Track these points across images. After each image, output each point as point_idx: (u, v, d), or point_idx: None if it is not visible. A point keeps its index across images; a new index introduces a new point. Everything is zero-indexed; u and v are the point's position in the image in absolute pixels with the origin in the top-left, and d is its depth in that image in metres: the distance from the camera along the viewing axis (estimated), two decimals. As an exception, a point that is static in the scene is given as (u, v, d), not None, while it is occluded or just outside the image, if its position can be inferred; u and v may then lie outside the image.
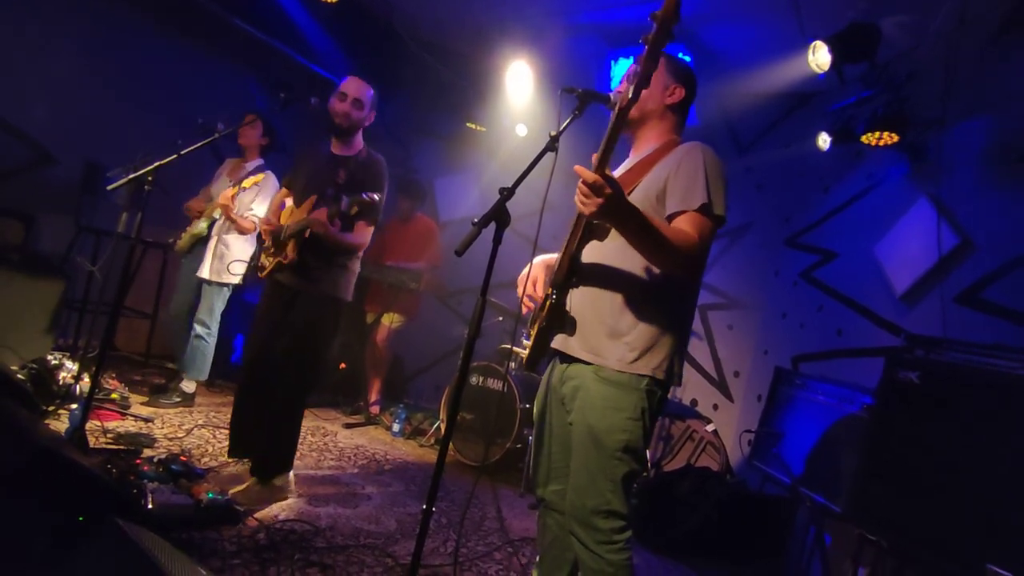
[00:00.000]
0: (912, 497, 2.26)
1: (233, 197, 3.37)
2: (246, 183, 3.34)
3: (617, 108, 1.38)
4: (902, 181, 3.56)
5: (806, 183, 4.33)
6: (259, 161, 3.76)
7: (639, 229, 1.38)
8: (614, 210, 1.32)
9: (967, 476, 2.10)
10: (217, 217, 3.61)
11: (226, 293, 3.66)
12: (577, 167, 1.33)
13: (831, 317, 3.81)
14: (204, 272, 3.59)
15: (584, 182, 1.29)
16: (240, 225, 3.51)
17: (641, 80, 1.32)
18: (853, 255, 3.80)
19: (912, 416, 2.36)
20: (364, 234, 2.63)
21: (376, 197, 2.45)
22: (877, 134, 3.28)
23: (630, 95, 1.33)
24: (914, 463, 2.29)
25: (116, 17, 4.44)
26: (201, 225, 3.64)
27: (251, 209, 3.59)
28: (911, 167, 3.47)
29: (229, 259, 3.58)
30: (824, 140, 3.68)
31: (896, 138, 3.27)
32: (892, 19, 3.22)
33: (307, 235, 2.51)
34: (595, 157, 1.39)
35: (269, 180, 3.61)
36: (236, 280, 3.63)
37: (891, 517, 2.30)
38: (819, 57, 3.32)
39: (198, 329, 3.56)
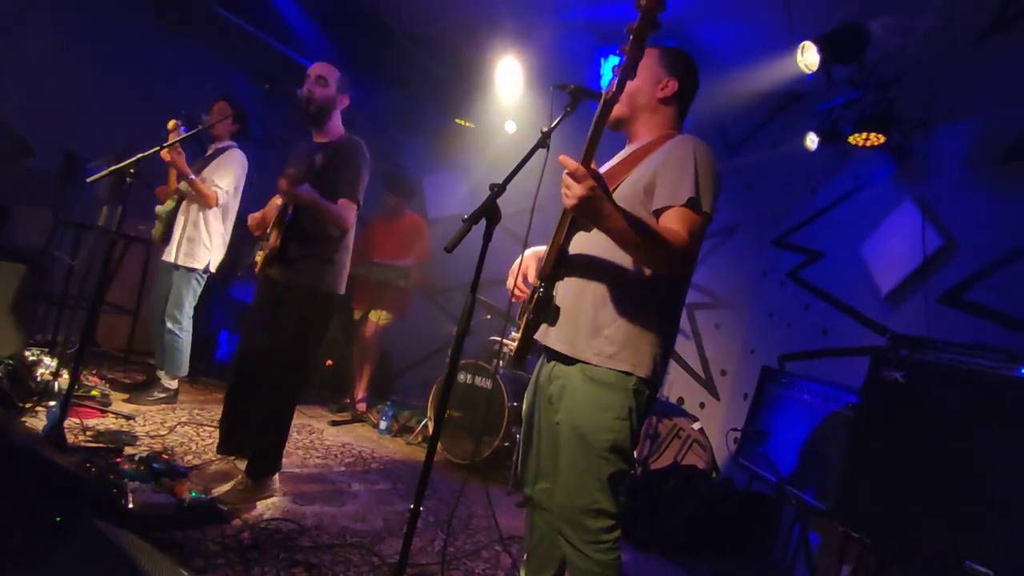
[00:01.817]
0: (895, 495, 2.28)
1: (172, 152, 3.19)
2: (172, 136, 3.14)
3: (602, 101, 1.35)
4: (888, 182, 3.59)
5: (794, 183, 4.36)
6: (228, 143, 3.62)
7: (623, 227, 1.34)
8: (596, 204, 1.29)
9: (949, 474, 2.12)
10: (183, 189, 3.46)
11: (196, 283, 3.50)
12: (561, 156, 1.31)
13: (817, 317, 3.85)
14: (170, 254, 3.44)
15: (567, 169, 1.27)
16: (200, 191, 3.34)
17: (625, 70, 1.28)
18: (839, 255, 3.83)
19: (896, 415, 2.39)
20: (348, 210, 2.51)
21: (317, 157, 2.39)
22: (864, 135, 3.31)
23: (615, 87, 1.31)
24: (898, 461, 2.31)
25: (96, 5, 4.35)
26: (161, 208, 3.51)
27: (212, 180, 3.42)
28: (897, 168, 3.50)
29: (199, 241, 3.44)
30: (812, 140, 3.70)
31: (883, 139, 3.30)
32: (880, 20, 3.25)
33: (288, 218, 2.48)
34: (571, 162, 1.36)
35: (233, 154, 3.52)
36: (199, 266, 3.45)
37: (875, 515, 2.33)
38: (808, 57, 3.34)
39: (168, 324, 3.41)
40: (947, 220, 3.15)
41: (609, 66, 4.07)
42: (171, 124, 3.19)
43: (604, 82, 4.11)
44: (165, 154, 3.18)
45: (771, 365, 3.81)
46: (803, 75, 3.46)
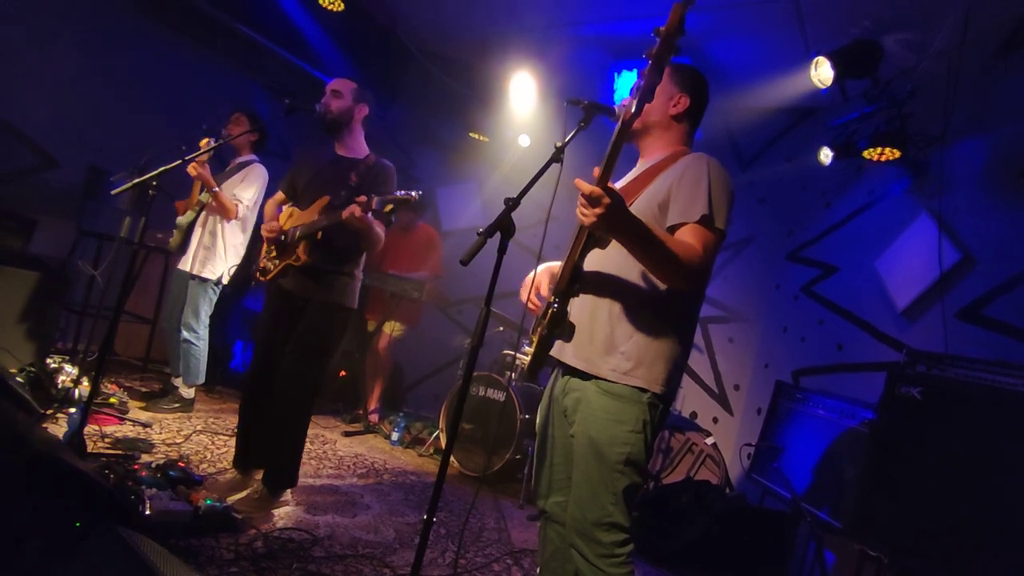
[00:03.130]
0: (913, 513, 2.25)
1: (199, 167, 3.29)
2: (202, 156, 3.24)
3: (620, 122, 1.37)
4: (903, 196, 3.57)
5: (808, 197, 4.35)
6: (250, 156, 3.71)
7: (639, 240, 1.36)
8: (614, 222, 1.31)
9: (968, 492, 2.09)
10: (203, 200, 3.54)
11: (212, 293, 3.56)
12: (576, 180, 1.32)
13: (832, 331, 3.81)
14: (186, 264, 3.50)
15: (583, 193, 1.29)
16: (222, 202, 3.42)
17: (644, 94, 1.31)
18: (854, 270, 3.81)
19: (914, 431, 2.36)
20: (382, 234, 2.60)
21: (413, 194, 2.39)
22: (879, 150, 3.31)
23: (633, 109, 1.33)
24: (915, 479, 2.28)
25: (120, 21, 4.47)
26: (182, 219, 3.58)
27: (234, 194, 3.51)
28: (912, 183, 3.48)
29: (215, 252, 3.51)
30: (826, 155, 3.70)
31: (898, 154, 3.29)
32: (895, 37, 3.26)
33: (319, 236, 2.51)
34: (597, 170, 1.38)
35: (256, 169, 3.60)
36: (214, 277, 3.51)
37: (892, 533, 2.29)
38: (822, 72, 3.35)
39: (184, 333, 3.47)
40: (964, 235, 3.12)
41: (622, 81, 4.11)
42: (203, 142, 3.29)
43: (617, 97, 4.14)
44: (192, 168, 3.28)
45: (785, 380, 3.78)
46: (817, 90, 3.47)
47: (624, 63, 4.25)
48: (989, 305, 2.90)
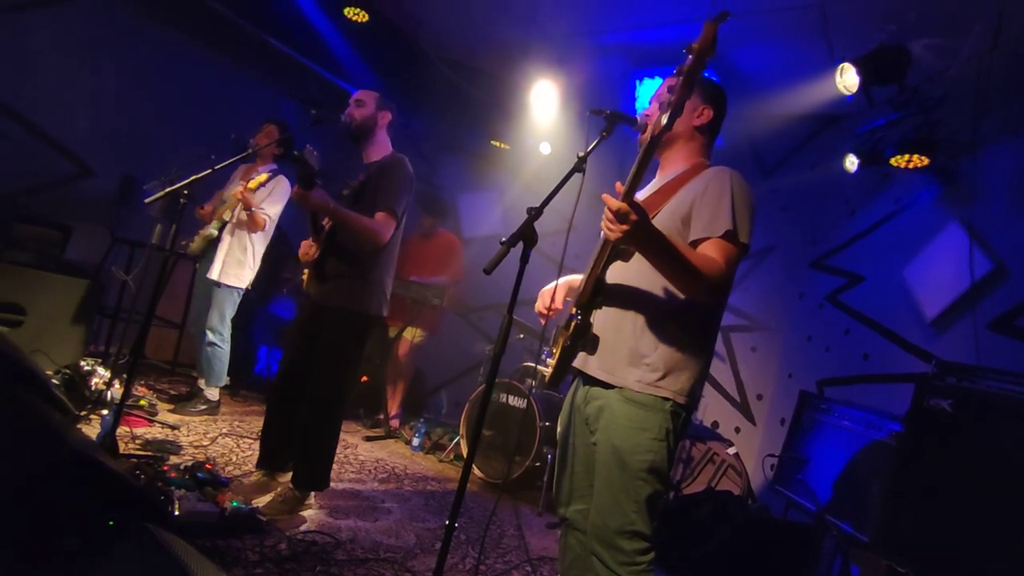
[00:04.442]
0: (943, 528, 2.20)
1: (244, 191, 3.39)
2: (251, 183, 3.39)
3: (649, 136, 1.37)
4: (932, 205, 3.51)
5: (832, 205, 4.29)
6: (272, 165, 3.77)
7: (664, 254, 1.38)
8: (640, 237, 1.33)
9: (1000, 507, 2.04)
10: (228, 220, 3.63)
11: (236, 298, 3.64)
12: (604, 196, 1.33)
13: (857, 341, 3.75)
14: (214, 273, 3.57)
15: (610, 209, 1.30)
16: (254, 218, 3.51)
17: (675, 109, 1.31)
18: (881, 279, 3.74)
19: (943, 444, 2.31)
20: (383, 225, 2.51)
21: (360, 176, 2.45)
22: (907, 157, 3.25)
23: (663, 123, 1.33)
24: (945, 493, 2.23)
25: (153, 35, 4.63)
26: (212, 228, 3.68)
27: (262, 208, 3.57)
28: (942, 190, 3.42)
29: (244, 262, 3.59)
30: (851, 162, 3.65)
31: (926, 161, 3.24)
32: (922, 42, 3.20)
33: (326, 228, 2.57)
34: (620, 186, 1.37)
35: (282, 182, 3.67)
36: (242, 285, 3.59)
37: (921, 548, 2.24)
38: (847, 79, 3.31)
39: (209, 336, 3.54)
40: (996, 244, 3.05)
41: (644, 89, 4.11)
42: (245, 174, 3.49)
43: (639, 105, 4.15)
44: (237, 192, 3.41)
45: (809, 390, 3.72)
46: (842, 97, 3.42)
47: (646, 71, 4.25)
48: (1023, 316, 2.83)
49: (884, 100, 3.45)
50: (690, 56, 1.30)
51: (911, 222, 3.65)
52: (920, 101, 3.26)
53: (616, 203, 1.29)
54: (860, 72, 3.23)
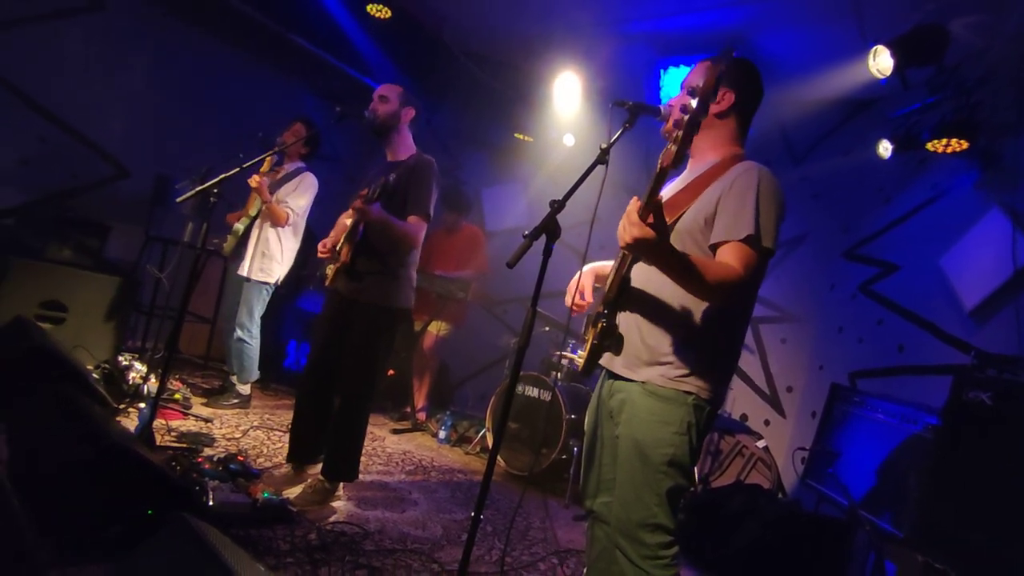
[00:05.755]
0: (982, 523, 2.13)
1: (259, 179, 3.46)
2: (263, 168, 3.46)
3: (659, 166, 1.32)
4: (972, 190, 3.38)
5: (865, 193, 4.17)
6: (298, 163, 3.83)
7: (676, 268, 1.37)
8: (647, 246, 1.31)
9: (1046, 505, 1.97)
10: (254, 215, 3.70)
11: (265, 294, 3.70)
12: (633, 200, 1.32)
13: (892, 332, 3.64)
14: (244, 269, 3.64)
15: (629, 213, 1.29)
16: (274, 212, 3.55)
17: (683, 144, 1.26)
18: (917, 268, 3.62)
19: (982, 438, 2.24)
20: (418, 228, 2.61)
21: (390, 177, 2.46)
22: (944, 141, 3.14)
23: (674, 152, 1.27)
24: (984, 487, 2.16)
25: (184, 38, 4.74)
26: (239, 224, 3.75)
27: (285, 201, 3.63)
28: (982, 175, 3.29)
29: (273, 258, 3.65)
30: (885, 148, 3.53)
31: (965, 145, 3.11)
32: (961, 20, 3.07)
33: (359, 235, 2.59)
34: (636, 203, 1.32)
35: (308, 178, 3.72)
36: (271, 280, 3.66)
37: (959, 544, 2.18)
38: (880, 62, 3.20)
39: (238, 332, 3.61)
40: (1040, 230, 2.94)
41: (669, 78, 4.04)
42: (268, 161, 3.53)
43: (663, 95, 4.08)
44: (252, 181, 3.46)
45: (841, 382, 3.64)
46: (875, 80, 3.31)
47: (670, 59, 4.18)
48: (1068, 305, 2.72)
49: (920, 82, 3.33)
50: (694, 99, 1.24)
51: (949, 209, 3.52)
52: (959, 82, 3.13)
53: (637, 222, 1.27)
54: (895, 54, 3.11)
